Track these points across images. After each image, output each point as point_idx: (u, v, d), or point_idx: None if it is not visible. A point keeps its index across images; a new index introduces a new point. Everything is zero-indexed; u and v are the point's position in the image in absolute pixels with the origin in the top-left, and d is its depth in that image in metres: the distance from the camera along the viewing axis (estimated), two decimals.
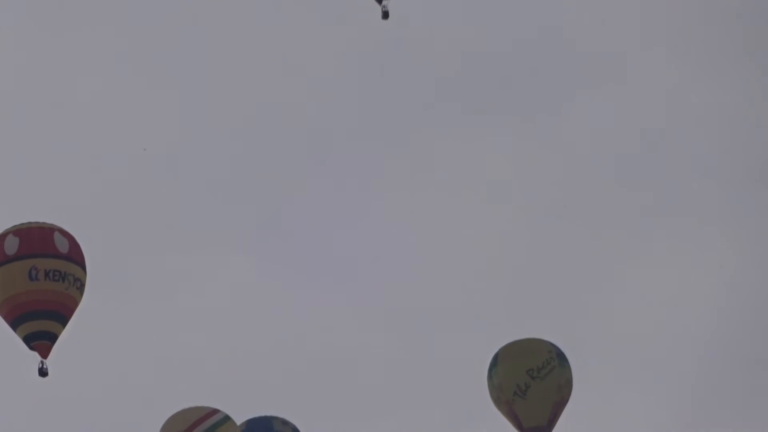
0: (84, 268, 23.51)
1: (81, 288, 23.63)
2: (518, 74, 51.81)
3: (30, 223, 23.38)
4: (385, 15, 27.06)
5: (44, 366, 22.63)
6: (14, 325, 22.83)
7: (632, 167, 54.64)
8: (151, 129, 49.37)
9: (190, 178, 46.37)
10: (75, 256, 23.27)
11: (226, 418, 25.14)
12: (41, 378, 22.66)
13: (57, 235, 23.17)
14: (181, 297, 43.62)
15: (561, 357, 25.21)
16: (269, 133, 44.95)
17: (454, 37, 50.38)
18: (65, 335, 23.28)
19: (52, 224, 23.51)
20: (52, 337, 23.08)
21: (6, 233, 22.77)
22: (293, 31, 46.63)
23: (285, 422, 26.28)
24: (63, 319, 23.25)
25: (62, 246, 22.91)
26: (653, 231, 52.51)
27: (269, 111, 44.17)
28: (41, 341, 22.76)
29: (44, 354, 22.81)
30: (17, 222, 22.96)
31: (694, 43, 65.80)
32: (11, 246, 22.66)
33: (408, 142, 47.49)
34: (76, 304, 23.30)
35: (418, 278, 40.38)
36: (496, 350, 25.01)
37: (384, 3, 27.11)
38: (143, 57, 53.06)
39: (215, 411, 25.11)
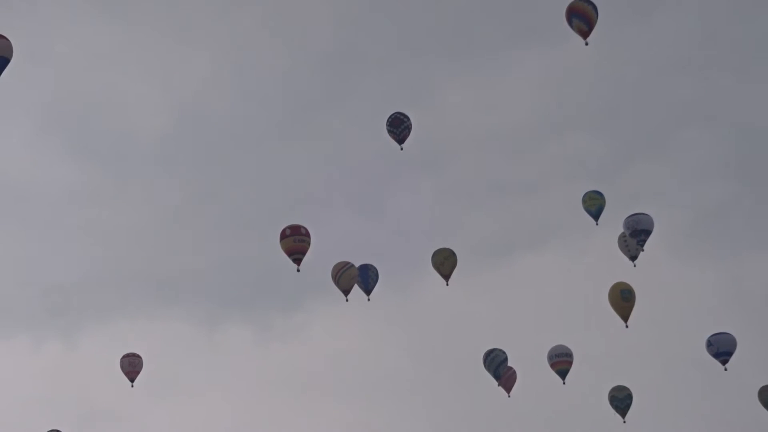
0: (310, 237, 46.81)
1: (309, 244, 46.76)
2: None
3: (293, 224, 46.81)
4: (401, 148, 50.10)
5: (299, 269, 45.99)
6: (289, 255, 46.52)
7: None
8: None
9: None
10: (307, 235, 46.85)
11: (352, 264, 50.17)
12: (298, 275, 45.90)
13: (302, 228, 46.83)
14: None
15: (454, 254, 52.27)
16: None
17: None
18: (305, 260, 46.40)
19: (299, 224, 47.27)
20: (301, 259, 46.55)
21: (287, 228, 46.36)
22: None
23: (372, 266, 51.97)
24: (303, 255, 46.94)
25: (303, 231, 46.47)
26: None
27: None
28: (297, 260, 46.07)
29: (299, 261, 46.19)
30: (287, 223, 46.75)
31: None
32: (288, 231, 46.03)
33: None
34: (307, 249, 46.58)
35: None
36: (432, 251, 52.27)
37: (402, 145, 50.13)
38: None
39: (348, 262, 50.26)
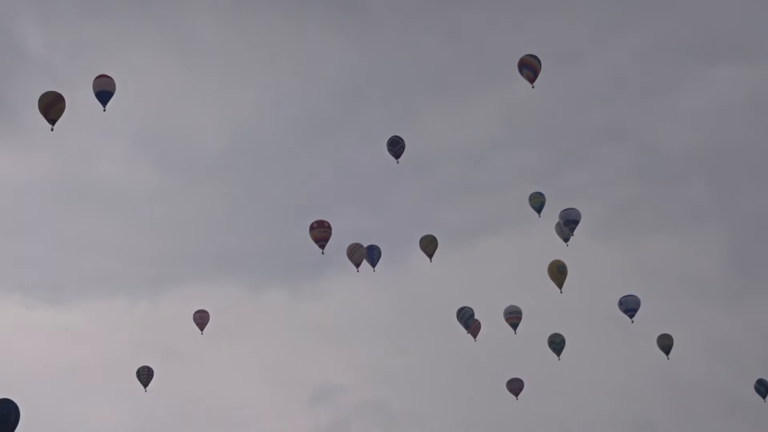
0: (331, 228, 53.70)
1: (330, 234, 53.60)
2: None
3: (319, 219, 53.79)
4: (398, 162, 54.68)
5: (323, 252, 53.12)
6: (316, 242, 53.29)
7: None
8: None
9: None
10: (329, 227, 53.63)
11: (362, 245, 56.04)
12: (321, 257, 53.37)
13: (326, 222, 53.58)
14: None
15: (435, 239, 58.41)
16: None
17: None
18: (328, 245, 53.16)
19: (324, 219, 54.10)
20: (324, 245, 53.64)
21: (314, 222, 53.15)
22: None
23: (377, 246, 57.33)
24: (326, 242, 53.46)
25: (326, 224, 53.30)
26: None
27: None
28: (322, 245, 53.07)
29: (323, 247, 52.94)
30: (314, 218, 53.79)
31: None
32: (315, 225, 53.18)
33: None
34: (329, 237, 53.49)
35: None
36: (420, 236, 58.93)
37: (398, 160, 55.67)
38: None
39: (359, 244, 56.27)
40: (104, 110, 51.13)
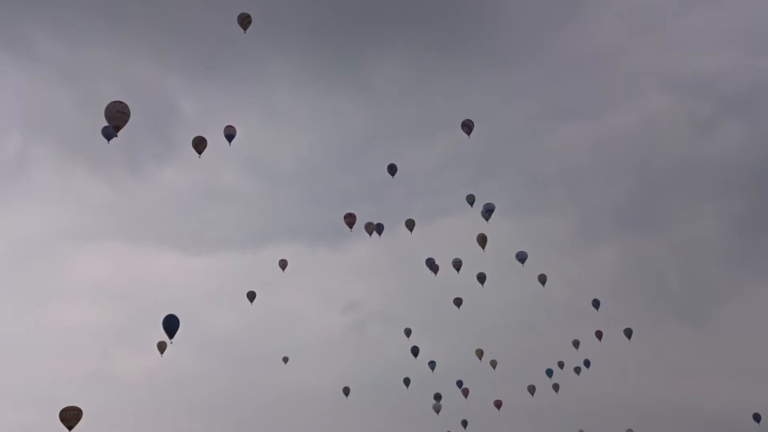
0: (356, 217, 73.31)
1: (355, 220, 73.01)
2: None
3: (349, 212, 73.07)
4: (393, 177, 75.96)
5: (351, 229, 77.03)
6: (348, 225, 73.69)
7: None
8: None
9: None
10: (354, 217, 72.55)
11: (373, 222, 76.19)
12: (350, 232, 75.35)
13: (353, 214, 72.81)
14: None
15: (413, 221, 77.69)
16: None
17: None
18: (354, 227, 76.83)
19: (352, 212, 73.15)
20: (352, 227, 74.07)
21: (346, 214, 72.61)
22: None
23: (381, 224, 76.95)
24: (353, 225, 73.33)
25: (353, 215, 72.50)
26: None
27: None
28: (351, 226, 75.89)
29: (351, 227, 77.03)
30: (346, 211, 74.67)
31: None
32: (347, 215, 72.92)
33: None
34: (355, 221, 73.64)
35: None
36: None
37: (393, 177, 75.84)
38: None
39: (372, 222, 76.52)
40: (230, 145, 64.25)
